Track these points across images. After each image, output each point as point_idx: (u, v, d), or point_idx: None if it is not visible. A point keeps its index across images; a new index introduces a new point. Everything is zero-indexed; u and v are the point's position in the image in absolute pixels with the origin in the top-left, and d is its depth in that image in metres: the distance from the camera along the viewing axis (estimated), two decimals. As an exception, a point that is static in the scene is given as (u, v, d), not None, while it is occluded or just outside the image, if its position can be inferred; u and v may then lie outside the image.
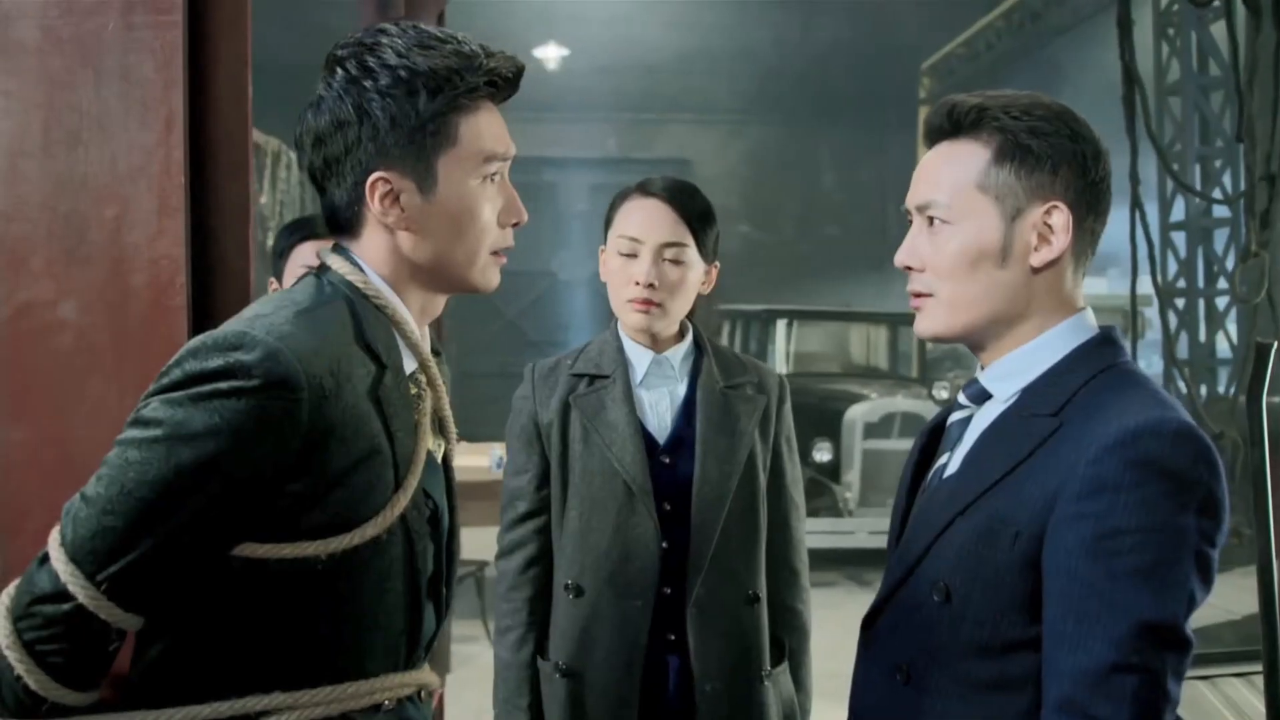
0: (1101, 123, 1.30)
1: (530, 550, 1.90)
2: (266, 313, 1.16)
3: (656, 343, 1.89)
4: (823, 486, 7.32)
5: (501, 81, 1.27)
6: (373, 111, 1.19)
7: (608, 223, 1.89)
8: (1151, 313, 8.38)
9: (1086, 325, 1.25)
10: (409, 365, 1.28)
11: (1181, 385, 6.93)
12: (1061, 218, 1.21)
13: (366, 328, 1.22)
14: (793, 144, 14.24)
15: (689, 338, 1.92)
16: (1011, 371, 1.25)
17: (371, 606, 1.21)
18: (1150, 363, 9.49)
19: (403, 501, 1.21)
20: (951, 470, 1.28)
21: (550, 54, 12.23)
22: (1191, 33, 9.00)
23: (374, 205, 1.21)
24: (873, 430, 7.37)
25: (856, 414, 7.42)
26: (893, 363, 8.92)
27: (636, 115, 13.87)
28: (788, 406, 1.96)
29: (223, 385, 1.08)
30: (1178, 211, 9.03)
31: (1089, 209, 1.23)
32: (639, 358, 1.88)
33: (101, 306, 1.27)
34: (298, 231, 2.18)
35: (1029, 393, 1.23)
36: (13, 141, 1.26)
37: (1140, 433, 1.11)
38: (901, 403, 7.54)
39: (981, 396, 1.29)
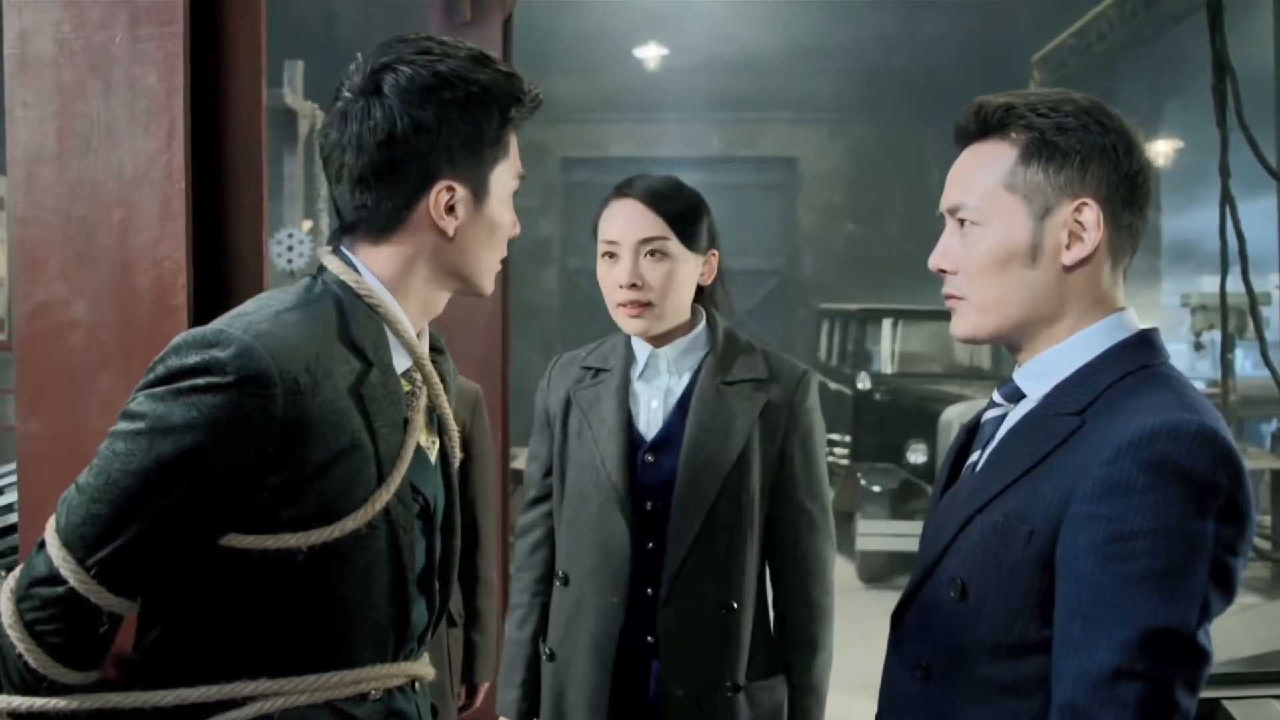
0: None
1: (538, 534, 1.95)
2: (249, 311, 1.21)
3: (657, 337, 1.87)
4: (917, 489, 7.19)
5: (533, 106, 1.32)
6: (452, 122, 1.23)
7: (594, 230, 1.88)
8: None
9: (1125, 325, 1.22)
10: (402, 363, 1.31)
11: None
12: (1092, 214, 1.19)
13: (353, 326, 1.25)
14: (898, 140, 13.99)
15: (697, 330, 1.88)
16: (1044, 371, 1.23)
17: (356, 598, 1.25)
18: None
19: (385, 496, 1.24)
20: (979, 468, 1.27)
21: (650, 54, 12.26)
22: (1318, 16, 8.53)
23: (434, 211, 1.25)
24: (968, 432, 7.19)
25: (952, 415, 7.26)
26: (996, 363, 8.71)
27: (739, 114, 13.80)
28: (809, 404, 1.88)
29: (200, 381, 1.14)
30: (1301, 205, 8.57)
31: (1124, 204, 1.21)
32: (641, 352, 1.88)
33: (110, 306, 1.34)
34: None
35: (1057, 392, 1.21)
36: (30, 150, 1.33)
37: (1157, 433, 1.08)
38: (999, 404, 7.34)
39: (1016, 395, 1.27)
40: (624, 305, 1.81)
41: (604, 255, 1.84)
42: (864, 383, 8.24)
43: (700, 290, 1.91)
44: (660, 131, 13.70)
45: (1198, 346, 7.64)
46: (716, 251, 1.90)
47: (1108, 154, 1.19)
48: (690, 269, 1.84)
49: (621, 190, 1.84)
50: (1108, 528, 1.07)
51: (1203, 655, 1.06)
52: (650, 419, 1.85)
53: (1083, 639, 1.07)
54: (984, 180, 1.23)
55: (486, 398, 2.69)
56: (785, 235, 14.44)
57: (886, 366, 8.57)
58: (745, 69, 12.87)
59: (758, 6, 11.70)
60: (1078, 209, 1.19)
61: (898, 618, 1.32)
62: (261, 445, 1.15)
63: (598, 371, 1.89)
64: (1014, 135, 1.22)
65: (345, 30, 10.91)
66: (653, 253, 1.80)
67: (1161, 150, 11.23)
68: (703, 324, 1.90)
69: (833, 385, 9.05)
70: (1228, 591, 1.08)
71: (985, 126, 1.24)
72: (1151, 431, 1.08)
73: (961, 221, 1.25)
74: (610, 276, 1.83)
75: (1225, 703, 2.43)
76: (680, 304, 1.85)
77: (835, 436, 8.91)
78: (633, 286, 1.80)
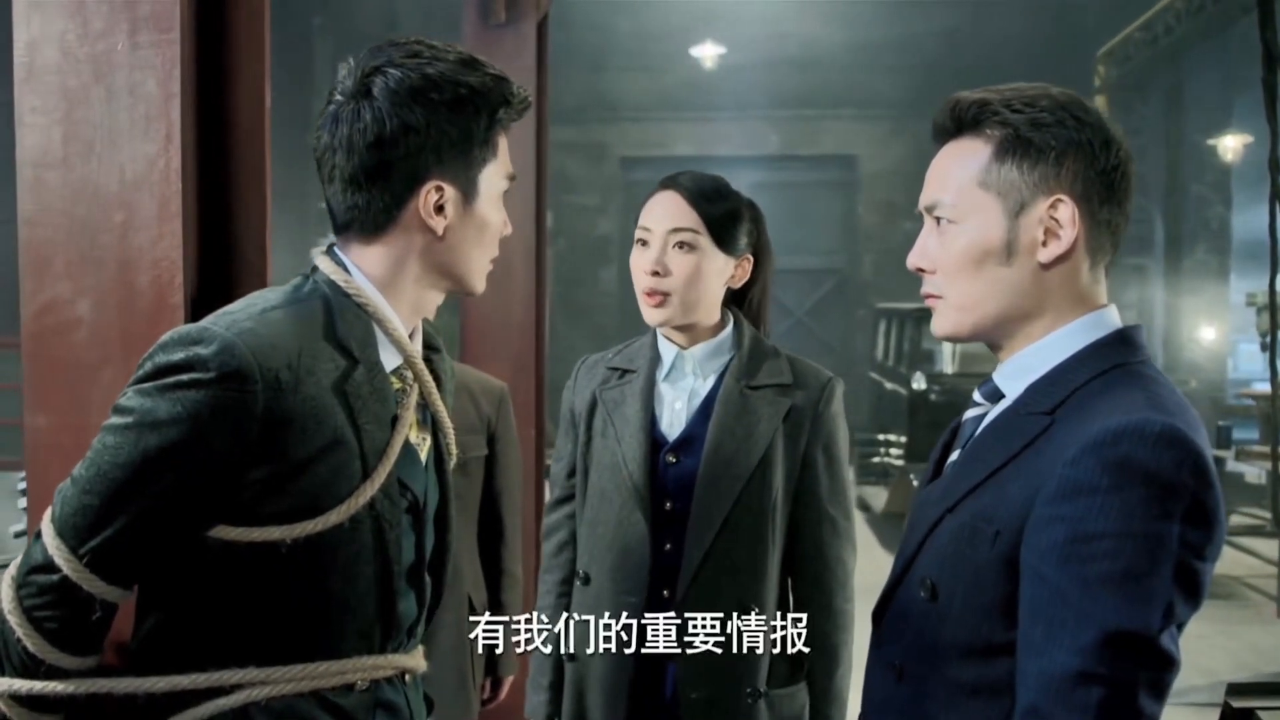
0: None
1: (562, 535, 1.96)
2: (235, 309, 1.24)
3: (686, 338, 1.87)
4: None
5: (521, 108, 1.35)
6: (440, 123, 1.27)
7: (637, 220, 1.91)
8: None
9: (1103, 323, 1.21)
10: (393, 361, 1.34)
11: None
12: (1067, 211, 1.17)
13: (340, 324, 1.28)
14: (961, 137, 13.80)
15: (725, 333, 1.88)
16: (1021, 369, 1.22)
17: (341, 590, 1.28)
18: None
19: (369, 491, 1.27)
20: (953, 467, 1.27)
21: (707, 52, 12.22)
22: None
23: (423, 211, 1.28)
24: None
25: (1007, 416, 7.15)
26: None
27: (798, 111, 13.71)
28: (833, 410, 1.87)
29: (184, 377, 1.17)
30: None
31: (1101, 201, 1.19)
32: (667, 354, 1.89)
33: (111, 305, 1.39)
34: None
35: (1031, 390, 1.20)
36: (37, 154, 1.39)
37: (1122, 434, 1.06)
38: (1055, 405, 7.22)
39: (995, 394, 1.26)
40: (645, 293, 1.82)
41: (638, 242, 1.86)
42: (919, 383, 8.16)
43: (740, 297, 1.91)
44: (719, 130, 13.66)
45: (1264, 347, 7.42)
46: (752, 257, 1.89)
47: (1084, 149, 1.17)
48: (718, 267, 1.84)
49: (665, 182, 1.87)
50: (1070, 529, 1.06)
51: (1167, 660, 1.04)
52: (673, 419, 1.85)
53: (1044, 641, 1.05)
54: (959, 178, 1.22)
55: (520, 395, 2.72)
56: (845, 234, 14.32)
57: (947, 367, 8.47)
58: (804, 66, 12.80)
59: (815, 3, 11.64)
60: (1053, 205, 1.18)
61: (877, 617, 1.31)
62: (243, 439, 1.18)
63: (623, 372, 1.90)
64: (989, 132, 1.21)
65: (408, 33, 11.07)
66: (681, 244, 1.81)
67: (1230, 145, 10.95)
68: (730, 327, 1.89)
69: (888, 385, 8.96)
70: (1194, 596, 1.06)
71: (961, 123, 1.23)
72: (1116, 432, 1.06)
73: (938, 220, 1.24)
74: (637, 264, 1.85)
75: (1261, 713, 2.37)
76: (703, 300, 1.84)
77: (891, 437, 8.83)
78: (655, 274, 1.81)
